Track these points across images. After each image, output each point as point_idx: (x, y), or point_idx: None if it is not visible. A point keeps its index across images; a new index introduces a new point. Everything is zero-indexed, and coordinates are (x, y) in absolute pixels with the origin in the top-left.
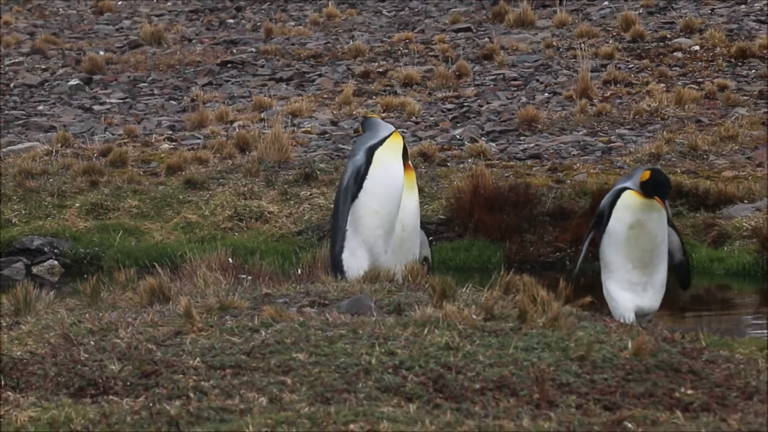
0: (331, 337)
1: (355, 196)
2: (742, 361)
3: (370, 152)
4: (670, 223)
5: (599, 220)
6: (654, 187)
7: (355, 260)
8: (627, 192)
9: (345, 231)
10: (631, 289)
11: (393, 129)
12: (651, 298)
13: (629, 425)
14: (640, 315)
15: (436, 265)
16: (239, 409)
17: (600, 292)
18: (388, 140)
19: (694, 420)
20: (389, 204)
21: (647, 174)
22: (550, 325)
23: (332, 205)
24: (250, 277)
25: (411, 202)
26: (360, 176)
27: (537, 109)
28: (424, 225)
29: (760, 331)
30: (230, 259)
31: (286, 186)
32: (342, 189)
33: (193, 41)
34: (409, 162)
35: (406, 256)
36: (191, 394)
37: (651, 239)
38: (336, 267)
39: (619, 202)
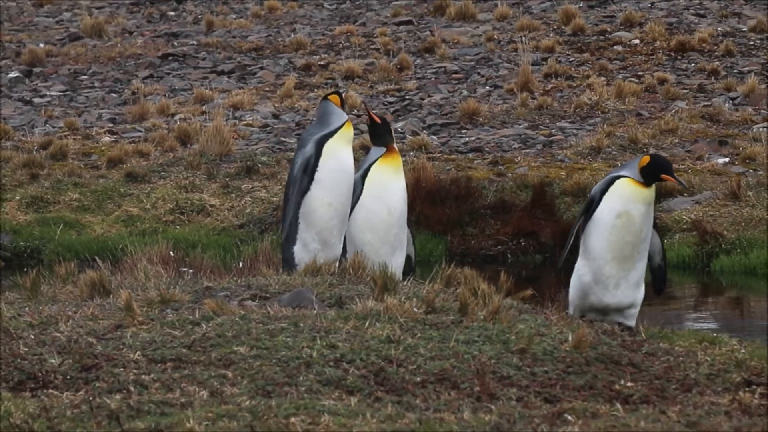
0: (273, 331)
1: (306, 189)
2: (681, 354)
3: (320, 144)
4: (654, 226)
5: (588, 207)
6: (659, 168)
7: (308, 253)
8: (621, 180)
9: (297, 224)
10: (603, 283)
11: (345, 119)
12: (622, 294)
13: (569, 417)
14: (608, 311)
15: None
16: (180, 402)
17: (542, 284)
18: (339, 132)
19: (633, 412)
20: (341, 195)
21: (646, 159)
22: (491, 318)
23: (274, 198)
24: (191, 271)
25: (398, 185)
26: (310, 168)
27: (478, 102)
28: None
29: (699, 324)
30: (171, 253)
31: (227, 179)
32: (292, 181)
33: (134, 34)
34: (394, 144)
35: (393, 244)
36: (132, 388)
37: (635, 232)
38: (287, 261)
39: (612, 188)
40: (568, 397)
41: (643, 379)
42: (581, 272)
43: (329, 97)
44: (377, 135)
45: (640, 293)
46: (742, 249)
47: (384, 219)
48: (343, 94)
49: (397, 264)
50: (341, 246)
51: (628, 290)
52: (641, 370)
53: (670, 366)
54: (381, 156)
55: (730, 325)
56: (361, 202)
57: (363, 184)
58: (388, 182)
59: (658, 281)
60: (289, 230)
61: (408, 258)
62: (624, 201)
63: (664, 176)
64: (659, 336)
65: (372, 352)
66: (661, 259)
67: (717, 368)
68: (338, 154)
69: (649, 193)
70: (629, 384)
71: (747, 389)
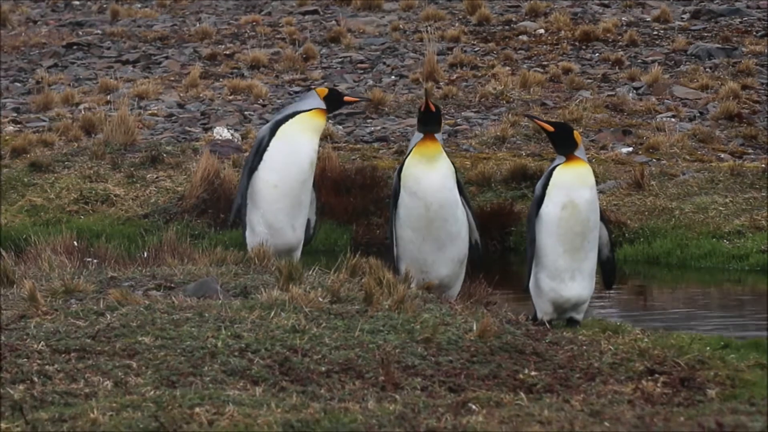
0: (177, 321)
1: (254, 169)
2: (584, 343)
3: (276, 126)
4: (603, 218)
5: (537, 206)
6: (553, 126)
7: (255, 237)
8: (557, 170)
9: (246, 206)
10: (559, 277)
11: (313, 106)
12: (579, 286)
13: (474, 407)
14: (567, 306)
15: None
16: (84, 393)
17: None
18: (300, 116)
19: (537, 401)
20: (290, 180)
21: (550, 128)
22: (395, 308)
23: (179, 188)
24: (95, 261)
25: (432, 176)
26: (262, 149)
27: (384, 92)
28: None
29: (603, 313)
30: (75, 243)
31: (132, 169)
32: (245, 162)
33: (39, 23)
34: (436, 133)
35: (439, 238)
36: (35, 378)
37: (583, 221)
38: (245, 246)
39: (551, 182)
40: (472, 387)
41: (546, 368)
42: (536, 270)
43: (317, 89)
44: (421, 121)
45: (593, 285)
46: (646, 238)
47: (422, 215)
48: (249, 84)
49: (449, 257)
50: (298, 235)
51: (584, 281)
52: (545, 360)
53: (574, 355)
54: (414, 146)
55: (634, 314)
56: (400, 197)
57: (399, 179)
58: (421, 175)
59: (607, 274)
60: (238, 213)
61: (475, 245)
62: (566, 190)
63: (539, 122)
64: (563, 325)
65: (277, 342)
66: (609, 251)
67: (620, 357)
68: (293, 138)
69: (586, 171)
70: (533, 373)
71: (650, 378)
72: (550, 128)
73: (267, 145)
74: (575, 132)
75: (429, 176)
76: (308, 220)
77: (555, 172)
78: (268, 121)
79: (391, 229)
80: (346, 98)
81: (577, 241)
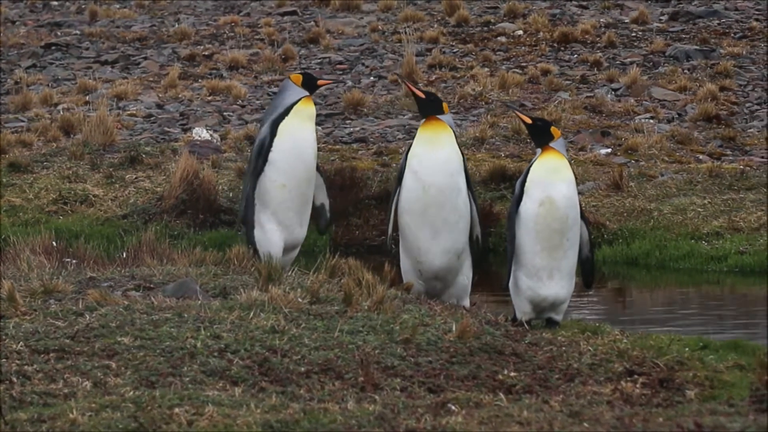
0: (156, 321)
1: (260, 171)
2: (564, 344)
3: (275, 124)
4: (583, 218)
5: (516, 203)
6: (539, 122)
7: (264, 234)
8: (533, 166)
9: (254, 206)
10: (536, 275)
11: (302, 95)
12: (557, 285)
13: (453, 407)
14: (545, 305)
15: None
16: (63, 393)
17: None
18: (294, 109)
19: (516, 402)
20: (297, 178)
21: (529, 121)
22: (375, 308)
23: (158, 189)
24: (74, 261)
25: (433, 157)
26: (265, 149)
27: (363, 92)
28: None
29: (582, 314)
30: (54, 243)
31: (111, 169)
32: (248, 164)
33: (17, 23)
34: (439, 114)
35: (434, 225)
36: (14, 379)
37: (561, 218)
38: (252, 248)
39: (528, 179)
40: (451, 387)
41: (526, 369)
42: (515, 269)
43: (291, 76)
44: (420, 108)
45: (572, 285)
46: (624, 239)
47: (420, 197)
48: (228, 84)
49: (443, 247)
50: (304, 230)
51: (563, 281)
52: (524, 360)
53: (553, 356)
54: (419, 128)
55: (613, 315)
56: (404, 179)
57: (406, 158)
58: (423, 155)
59: (586, 274)
60: (246, 213)
61: (476, 240)
62: (543, 186)
63: (518, 114)
64: (542, 326)
65: (256, 342)
66: (588, 251)
67: (599, 358)
68: (294, 134)
69: (562, 165)
70: (512, 374)
71: (629, 379)
72: (528, 120)
73: (270, 145)
74: (554, 127)
75: (431, 156)
76: (322, 205)
77: (532, 169)
78: (246, 122)
79: (389, 216)
80: (320, 82)
81: (555, 238)
